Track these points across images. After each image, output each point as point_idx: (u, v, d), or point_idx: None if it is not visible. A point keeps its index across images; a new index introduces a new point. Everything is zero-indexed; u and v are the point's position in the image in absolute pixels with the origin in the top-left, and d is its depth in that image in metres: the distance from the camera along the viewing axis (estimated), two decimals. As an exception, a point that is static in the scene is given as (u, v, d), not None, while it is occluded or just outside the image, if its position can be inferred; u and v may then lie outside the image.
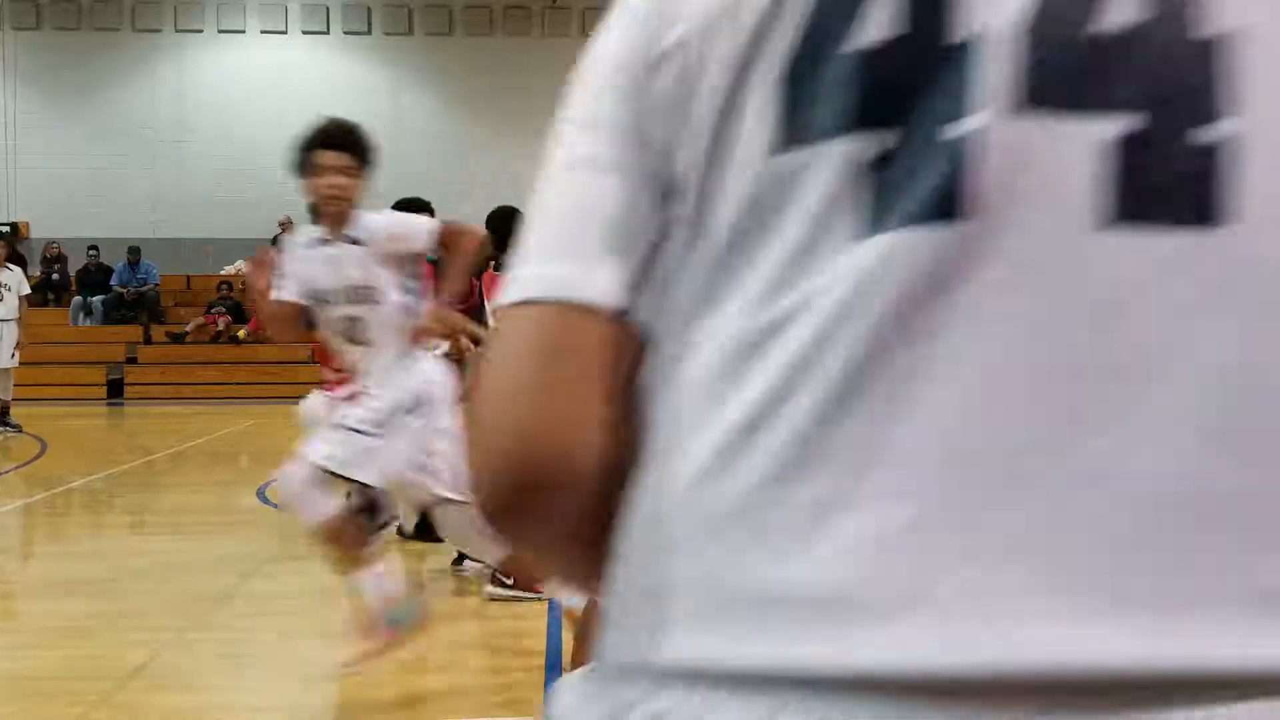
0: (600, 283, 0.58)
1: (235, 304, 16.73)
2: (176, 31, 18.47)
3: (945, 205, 0.50)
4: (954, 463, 0.48)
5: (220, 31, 18.59)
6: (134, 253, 17.13)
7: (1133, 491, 0.47)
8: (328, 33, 18.64)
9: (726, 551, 0.52)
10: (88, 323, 16.92)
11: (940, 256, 0.49)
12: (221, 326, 16.59)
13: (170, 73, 18.45)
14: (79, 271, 17.36)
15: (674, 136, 0.57)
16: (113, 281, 17.16)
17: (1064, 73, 0.50)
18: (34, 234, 18.21)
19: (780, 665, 0.49)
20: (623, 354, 0.58)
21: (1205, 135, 0.49)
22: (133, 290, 16.98)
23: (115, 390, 15.79)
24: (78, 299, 17.01)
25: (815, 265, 0.52)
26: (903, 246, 0.50)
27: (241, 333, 16.45)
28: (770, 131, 0.54)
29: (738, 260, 0.55)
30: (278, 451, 10.34)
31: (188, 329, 16.79)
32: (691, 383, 0.55)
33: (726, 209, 0.55)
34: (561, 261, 0.59)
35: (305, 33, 18.59)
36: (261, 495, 7.45)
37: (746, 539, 0.52)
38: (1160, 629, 0.46)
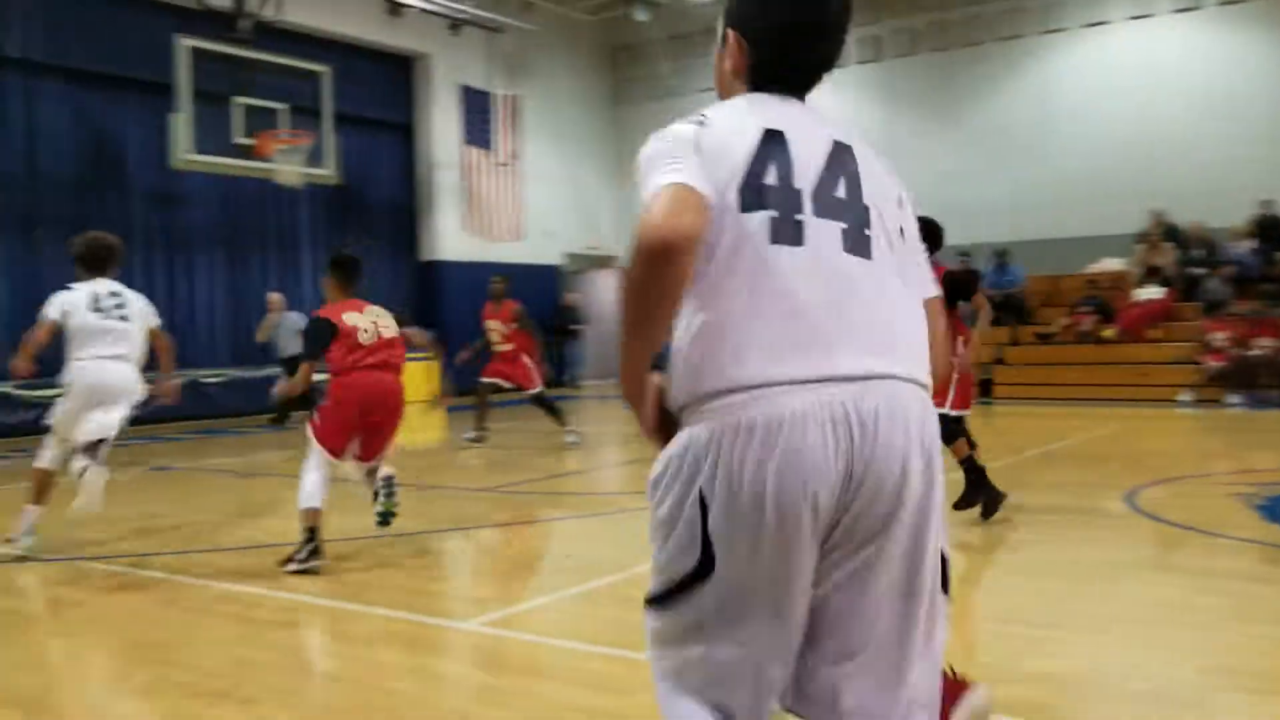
0: (701, 185, 1.86)
1: (1102, 303, 16.45)
2: (1040, 34, 18.77)
3: (798, 239, 1.89)
4: (810, 310, 1.86)
5: (1084, 26, 18.47)
6: (1001, 255, 17.75)
7: (856, 320, 1.88)
8: (1199, 8, 17.46)
9: (756, 337, 1.86)
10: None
11: (796, 256, 1.88)
12: (1088, 326, 16.43)
13: (1033, 76, 18.80)
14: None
15: (717, 183, 1.90)
16: (982, 285, 17.94)
17: (827, 206, 1.93)
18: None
19: (790, 375, 1.83)
20: (707, 214, 1.86)
21: (866, 231, 1.95)
22: (1000, 292, 17.61)
23: (984, 390, 16.51)
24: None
25: (753, 253, 1.87)
26: (784, 253, 1.88)
27: (1108, 332, 16.12)
28: (739, 202, 1.89)
29: (732, 232, 1.89)
30: (1151, 455, 10.02)
31: (1054, 329, 16.93)
32: (718, 266, 1.89)
33: (729, 217, 1.89)
34: (687, 175, 1.86)
35: (1176, 11, 17.63)
36: (1130, 501, 7.22)
37: (761, 332, 1.86)
38: (864, 360, 1.85)
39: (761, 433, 1.80)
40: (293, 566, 5.58)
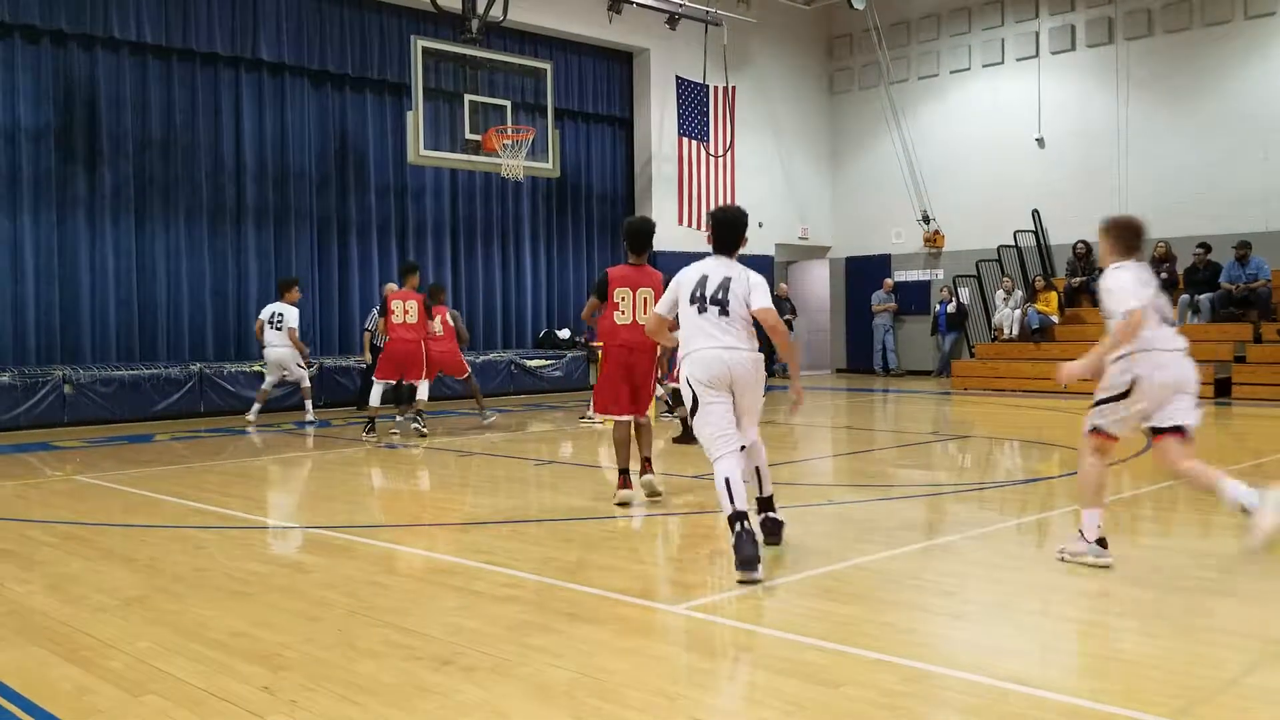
0: (666, 307, 6.05)
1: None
2: (1294, 10, 17.45)
3: (703, 310, 5.71)
4: (698, 333, 5.73)
5: (1344, 0, 17.07)
6: (1243, 247, 16.61)
7: (707, 327, 5.69)
8: None
9: (696, 344, 5.70)
10: (1195, 321, 16.90)
11: (702, 315, 5.71)
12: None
13: (1285, 55, 17.50)
14: (1186, 269, 17.45)
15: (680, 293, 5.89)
16: (1221, 279, 16.87)
17: (709, 299, 5.70)
18: (1144, 235, 18.80)
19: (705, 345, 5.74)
20: (671, 318, 6.05)
21: (714, 298, 5.68)
22: (1242, 286, 16.50)
23: (1223, 389, 15.52)
24: (1185, 297, 17.10)
25: (690, 310, 5.76)
26: (701, 313, 5.74)
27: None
28: (688, 302, 5.77)
29: (685, 309, 5.82)
30: None
31: (1302, 326, 15.75)
32: (684, 319, 5.79)
33: (684, 311, 5.83)
34: (664, 306, 6.07)
35: None
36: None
37: (699, 339, 5.70)
38: (727, 340, 5.63)
39: (702, 361, 5.59)
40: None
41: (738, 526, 5.22)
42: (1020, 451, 10.56)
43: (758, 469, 5.96)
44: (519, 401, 16.56)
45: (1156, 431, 5.42)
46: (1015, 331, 18.91)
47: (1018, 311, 18.99)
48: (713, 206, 20.50)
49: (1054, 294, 18.79)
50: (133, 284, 14.73)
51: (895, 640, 4.24)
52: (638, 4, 18.48)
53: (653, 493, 7.45)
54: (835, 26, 23.23)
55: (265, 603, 4.94)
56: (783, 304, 22.05)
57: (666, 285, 6.06)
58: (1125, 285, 5.24)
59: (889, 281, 22.30)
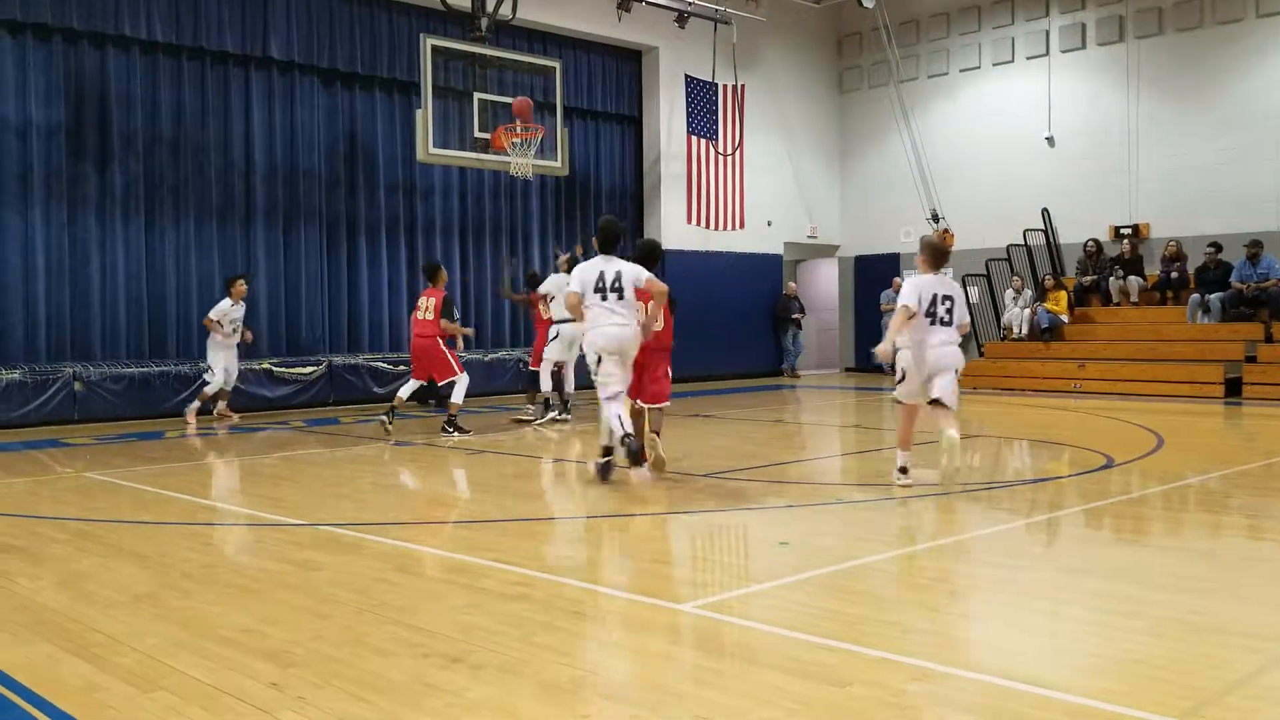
0: (576, 287, 8.30)
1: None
2: (1307, 8, 17.38)
3: (604, 298, 8.13)
4: (602, 314, 8.16)
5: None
6: (1255, 246, 16.55)
7: (607, 309, 8.16)
8: None
9: (600, 322, 8.16)
10: (1205, 320, 16.85)
11: (599, 303, 8.14)
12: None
13: (1297, 54, 17.43)
14: (1197, 269, 17.40)
15: (584, 286, 8.27)
16: (1232, 278, 16.81)
17: (609, 289, 8.13)
18: (1154, 234, 18.78)
19: (605, 320, 8.21)
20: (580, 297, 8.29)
21: (612, 287, 8.14)
22: (1253, 286, 16.45)
23: (1233, 389, 15.47)
24: (1195, 296, 17.04)
25: (594, 298, 8.17)
26: (604, 300, 8.15)
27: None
28: (593, 291, 8.17)
29: (590, 297, 8.20)
30: None
31: (1313, 325, 15.67)
32: (589, 304, 8.18)
33: (588, 294, 8.22)
34: (573, 285, 8.40)
35: None
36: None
37: (603, 318, 8.15)
38: (616, 318, 8.12)
39: (604, 334, 8.06)
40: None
41: (626, 440, 7.79)
42: (1029, 451, 10.54)
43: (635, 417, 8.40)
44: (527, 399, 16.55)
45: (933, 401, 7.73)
46: (1024, 331, 18.87)
47: (1027, 311, 18.95)
48: (723, 205, 20.53)
49: (1064, 293, 18.75)
50: (143, 282, 14.77)
51: (903, 639, 4.23)
52: (647, 2, 18.47)
53: (657, 461, 8.36)
54: (845, 25, 23.21)
55: (274, 600, 4.95)
56: (791, 302, 22.05)
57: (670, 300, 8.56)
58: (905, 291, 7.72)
59: (898, 280, 22.26)
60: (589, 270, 8.14)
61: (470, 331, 13.39)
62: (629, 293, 8.05)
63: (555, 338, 12.59)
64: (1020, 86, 20.54)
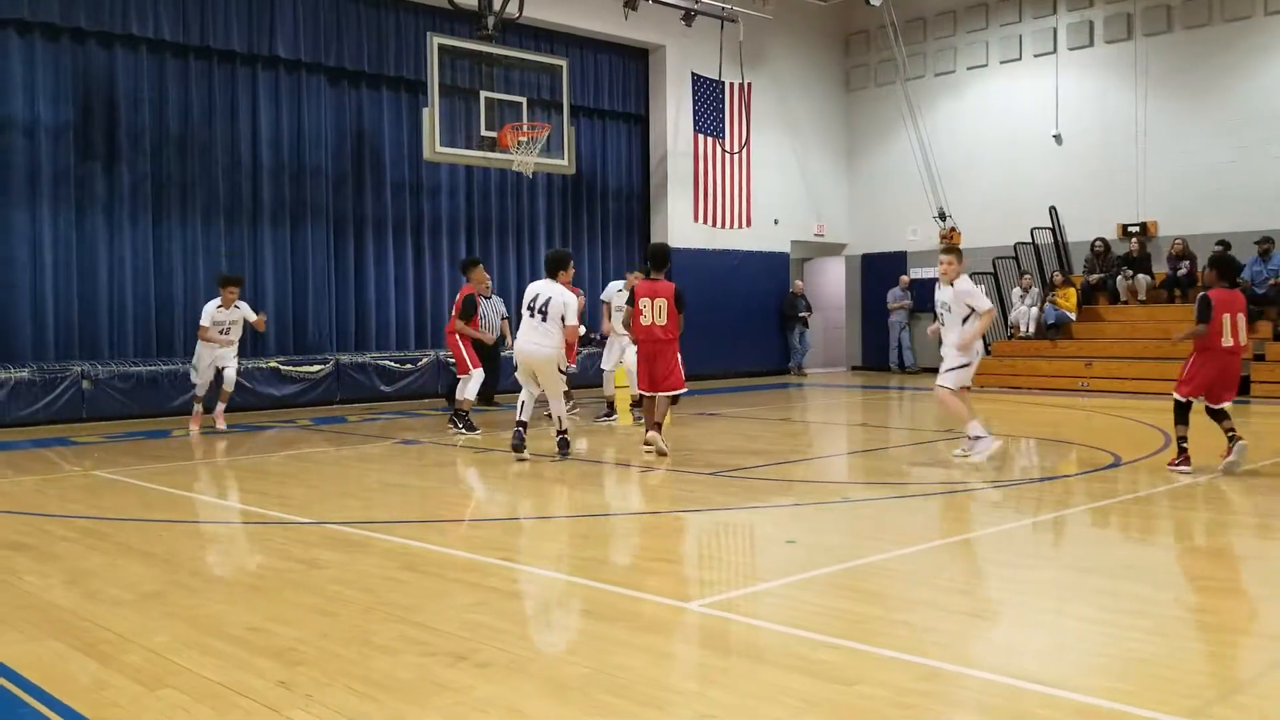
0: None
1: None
2: (1315, 5, 17.32)
3: (532, 317, 9.49)
4: (525, 329, 9.50)
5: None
6: (1265, 243, 16.50)
7: (527, 329, 9.54)
8: None
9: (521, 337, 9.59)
10: (1214, 318, 16.77)
11: (530, 319, 9.44)
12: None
13: (1306, 51, 17.37)
14: (1205, 266, 17.33)
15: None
16: (1243, 275, 16.74)
17: (536, 310, 9.41)
18: (1161, 232, 18.73)
19: (523, 337, 9.68)
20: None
21: (539, 309, 9.40)
22: (1262, 283, 16.39)
23: (1242, 387, 15.38)
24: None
25: (525, 314, 9.51)
26: (530, 317, 9.47)
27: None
28: (525, 308, 9.51)
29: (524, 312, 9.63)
30: None
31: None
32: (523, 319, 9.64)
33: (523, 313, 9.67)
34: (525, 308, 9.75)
35: None
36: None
37: (524, 334, 9.52)
38: (533, 337, 9.47)
39: (519, 349, 9.53)
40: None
41: (517, 428, 9.36)
42: (1037, 450, 10.52)
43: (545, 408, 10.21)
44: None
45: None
46: (1032, 329, 18.83)
47: (1034, 309, 18.91)
48: (729, 203, 20.52)
49: (1072, 290, 18.71)
50: (150, 280, 14.80)
51: (909, 638, 4.23)
52: (654, 1, 18.46)
53: (659, 451, 9.32)
54: (851, 23, 23.17)
55: (281, 598, 4.96)
56: (798, 301, 22.03)
57: (676, 295, 9.64)
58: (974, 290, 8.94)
59: (905, 278, 22.24)
60: (529, 289, 9.59)
61: (486, 335, 12.84)
62: (553, 316, 9.34)
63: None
64: (1028, 84, 20.50)
